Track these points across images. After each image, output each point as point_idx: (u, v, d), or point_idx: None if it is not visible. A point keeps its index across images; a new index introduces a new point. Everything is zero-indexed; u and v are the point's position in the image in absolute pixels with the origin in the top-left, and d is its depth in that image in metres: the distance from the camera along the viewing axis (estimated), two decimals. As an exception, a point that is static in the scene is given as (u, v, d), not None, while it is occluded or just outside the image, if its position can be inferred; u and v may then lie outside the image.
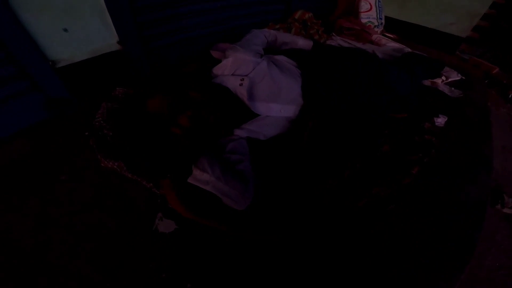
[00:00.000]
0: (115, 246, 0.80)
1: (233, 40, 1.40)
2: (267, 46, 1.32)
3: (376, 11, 2.43)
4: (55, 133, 1.11)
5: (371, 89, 1.25)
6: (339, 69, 1.21)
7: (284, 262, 0.80)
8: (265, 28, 1.87)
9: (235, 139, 0.98)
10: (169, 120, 0.95)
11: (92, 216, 0.86)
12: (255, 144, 1.03)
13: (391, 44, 2.13)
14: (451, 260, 0.86)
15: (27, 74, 1.03)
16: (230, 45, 1.19)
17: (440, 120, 1.34)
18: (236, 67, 1.08)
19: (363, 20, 2.40)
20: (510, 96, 1.88)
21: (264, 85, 1.06)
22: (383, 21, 2.51)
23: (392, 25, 2.61)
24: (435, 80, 1.72)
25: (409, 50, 1.95)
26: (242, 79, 1.04)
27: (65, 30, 1.06)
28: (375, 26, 2.43)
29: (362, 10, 2.40)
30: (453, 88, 1.67)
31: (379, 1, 2.44)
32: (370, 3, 2.40)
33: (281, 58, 1.21)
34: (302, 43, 1.40)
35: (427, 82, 1.70)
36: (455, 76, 1.80)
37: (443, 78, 1.75)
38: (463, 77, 1.81)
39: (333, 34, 2.23)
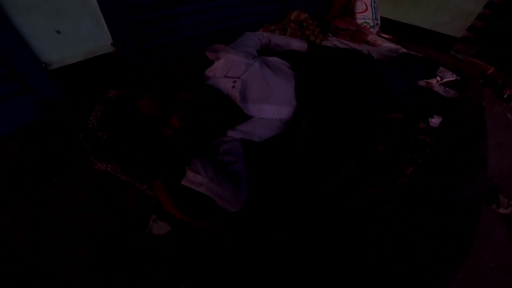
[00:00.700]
0: (109, 248, 0.79)
1: (229, 40, 1.39)
2: (261, 49, 1.32)
3: (372, 11, 2.44)
4: (48, 135, 1.10)
5: (367, 90, 1.25)
6: (335, 70, 1.21)
7: (281, 263, 0.80)
8: (260, 28, 1.88)
9: (229, 140, 0.98)
10: (160, 121, 0.94)
11: (85, 218, 0.85)
12: (250, 146, 1.03)
13: (386, 45, 2.14)
14: (448, 259, 0.87)
15: (19, 76, 1.02)
16: (223, 46, 1.18)
17: (435, 121, 1.35)
18: (228, 69, 1.07)
19: (359, 21, 2.41)
20: (505, 95, 1.89)
21: (256, 86, 1.05)
22: (378, 21, 2.52)
23: (387, 26, 2.62)
24: (430, 80, 1.72)
25: (405, 50, 1.96)
26: (235, 81, 1.03)
27: (58, 32, 1.06)
28: (370, 26, 2.44)
29: (357, 11, 2.41)
30: (448, 89, 1.68)
31: (374, 2, 2.45)
32: (365, 4, 2.41)
33: (274, 59, 1.20)
34: (296, 44, 1.40)
35: (422, 83, 1.71)
36: (450, 77, 1.80)
37: (438, 78, 1.75)
38: (458, 78, 1.82)
39: (329, 34, 2.24)
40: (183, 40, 1.53)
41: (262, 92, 1.05)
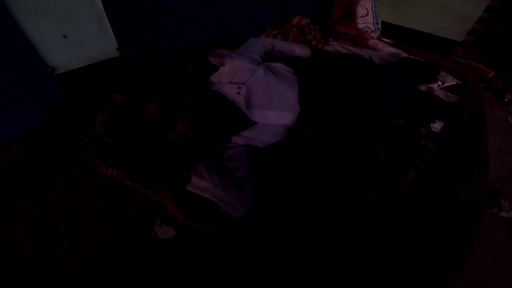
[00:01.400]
0: (113, 252, 0.80)
1: (231, 45, 1.41)
2: (264, 54, 1.33)
3: (373, 16, 2.46)
4: (53, 139, 1.10)
5: (368, 94, 1.26)
6: (337, 75, 1.23)
7: (282, 264, 0.81)
8: (262, 34, 1.89)
9: (233, 146, 0.99)
10: (165, 126, 0.96)
11: (90, 222, 0.86)
12: (253, 151, 1.04)
13: (387, 49, 2.15)
14: (448, 262, 0.87)
15: (25, 79, 1.03)
16: (228, 52, 1.19)
17: (436, 126, 1.36)
18: (233, 75, 1.08)
19: (360, 25, 2.42)
20: (506, 99, 1.90)
21: (260, 93, 1.06)
22: (379, 26, 2.53)
23: (388, 30, 2.64)
24: (431, 85, 1.74)
25: (406, 54, 1.98)
26: (239, 87, 1.03)
27: (65, 36, 1.07)
28: (371, 31, 2.46)
29: (358, 16, 2.43)
30: (449, 93, 1.69)
31: (375, 6, 2.47)
32: (366, 8, 2.43)
33: (278, 65, 1.22)
34: (299, 51, 1.41)
35: (423, 87, 1.72)
36: (451, 81, 1.82)
37: (439, 83, 1.77)
38: (459, 82, 1.83)
39: (330, 39, 2.25)
40: (185, 45, 1.55)
41: (266, 99, 1.06)
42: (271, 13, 2.02)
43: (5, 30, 0.90)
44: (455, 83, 1.83)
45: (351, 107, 1.20)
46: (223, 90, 1.06)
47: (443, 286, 0.83)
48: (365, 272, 0.83)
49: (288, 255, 0.83)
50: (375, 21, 2.47)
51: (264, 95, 1.06)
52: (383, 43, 2.26)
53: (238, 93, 1.03)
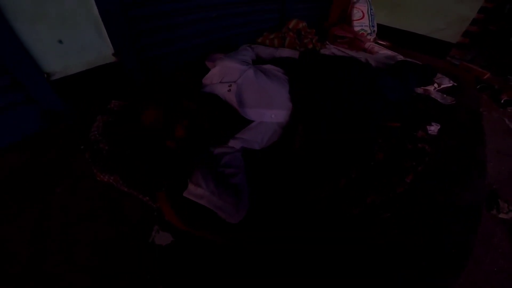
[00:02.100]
0: (112, 258, 0.79)
1: (228, 49, 1.41)
2: (256, 59, 1.38)
3: (369, 19, 2.48)
4: (50, 145, 1.10)
5: (365, 96, 1.27)
6: (334, 78, 1.24)
7: (283, 270, 0.80)
8: (259, 37, 1.90)
9: (230, 152, 0.99)
10: (165, 132, 0.95)
11: (88, 227, 0.85)
12: (250, 155, 1.04)
13: (384, 52, 2.16)
14: (448, 264, 0.87)
15: (21, 85, 1.02)
16: (220, 56, 1.23)
17: (433, 128, 1.36)
18: (223, 75, 1.12)
19: (356, 28, 2.44)
20: (502, 100, 1.91)
21: (252, 91, 1.09)
22: (375, 28, 2.55)
23: (383, 32, 2.65)
24: (427, 87, 1.75)
25: (402, 57, 1.98)
26: (230, 85, 1.07)
27: (60, 41, 1.06)
28: (367, 33, 2.48)
29: (354, 18, 2.44)
30: (445, 95, 1.70)
31: (371, 9, 2.49)
32: (362, 11, 2.44)
33: (268, 66, 1.25)
34: (282, 53, 1.50)
35: (420, 90, 1.73)
36: (447, 83, 1.83)
37: (435, 85, 1.77)
38: (455, 84, 1.84)
39: (327, 42, 2.27)
40: (181, 50, 1.55)
41: (258, 97, 1.09)
42: (268, 17, 2.03)
43: (1, 35, 0.90)
44: (451, 85, 1.84)
45: (348, 110, 1.20)
46: (215, 90, 1.09)
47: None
48: (365, 275, 0.82)
49: (286, 259, 0.82)
50: (371, 24, 2.48)
51: (255, 94, 1.09)
52: (379, 46, 2.27)
53: (229, 90, 1.06)
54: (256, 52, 1.46)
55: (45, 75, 1.07)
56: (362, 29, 2.46)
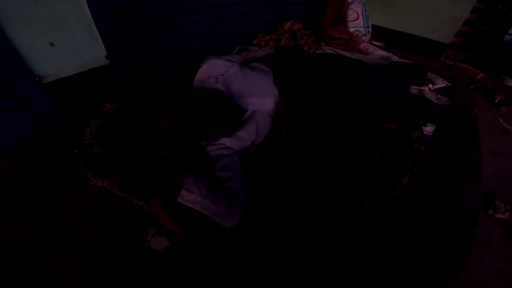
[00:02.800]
0: (107, 263, 0.78)
1: (224, 51, 1.41)
2: (243, 61, 1.46)
3: (363, 19, 2.49)
4: (44, 150, 1.08)
5: (358, 92, 1.29)
6: (329, 75, 1.26)
7: (281, 270, 0.80)
8: (255, 39, 1.90)
9: (227, 154, 0.98)
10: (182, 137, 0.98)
11: (83, 233, 0.85)
12: (244, 155, 1.05)
13: (378, 53, 2.17)
14: (448, 265, 0.86)
15: (12, 89, 1.00)
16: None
17: (428, 129, 1.36)
18: (210, 71, 1.19)
19: (351, 29, 2.45)
20: (496, 100, 1.93)
21: (239, 82, 1.15)
22: (370, 29, 2.57)
23: (378, 33, 2.67)
24: (422, 87, 1.75)
25: (396, 58, 1.99)
26: (217, 77, 1.14)
27: (52, 44, 1.04)
28: (362, 34, 2.49)
29: (349, 19, 2.45)
30: (439, 95, 1.70)
31: (365, 10, 2.50)
32: (357, 12, 2.46)
33: (253, 64, 1.35)
34: (262, 52, 1.58)
35: (414, 90, 1.73)
36: (441, 83, 1.84)
37: (430, 85, 1.78)
38: (449, 84, 1.85)
39: (322, 43, 2.27)
40: (176, 53, 1.54)
41: (245, 87, 1.15)
42: (264, 18, 2.03)
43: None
44: (445, 85, 1.85)
45: (343, 104, 1.21)
46: (204, 85, 1.16)
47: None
48: (365, 275, 0.82)
49: (285, 260, 0.81)
50: (365, 25, 2.50)
51: (242, 84, 1.15)
52: (374, 47, 2.28)
53: (216, 81, 1.14)
54: (243, 57, 1.55)
55: (37, 78, 1.05)
56: (356, 30, 2.47)
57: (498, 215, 1.16)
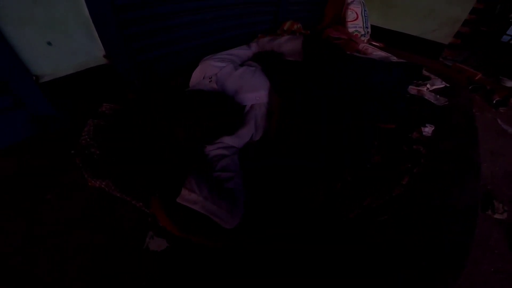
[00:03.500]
0: (105, 265, 0.77)
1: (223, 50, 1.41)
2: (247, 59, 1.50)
3: (362, 20, 2.49)
4: (41, 150, 1.07)
5: (358, 91, 1.28)
6: (329, 75, 1.26)
7: (281, 270, 0.79)
8: (254, 40, 1.90)
9: (227, 155, 0.98)
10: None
11: (80, 234, 0.83)
12: (243, 155, 1.05)
13: (377, 53, 2.17)
14: (449, 265, 0.87)
15: (9, 89, 0.99)
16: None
17: (427, 130, 1.37)
18: (203, 73, 1.24)
19: (350, 29, 2.45)
20: (494, 101, 1.93)
21: (233, 80, 1.19)
22: (369, 29, 2.57)
23: (377, 33, 2.67)
24: (420, 88, 1.75)
25: (395, 58, 1.99)
26: (211, 77, 1.19)
27: (49, 43, 1.03)
28: (361, 35, 2.49)
29: (348, 20, 2.45)
30: (438, 96, 1.71)
31: (365, 10, 2.50)
32: (356, 12, 2.46)
33: (247, 62, 1.40)
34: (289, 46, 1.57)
35: (413, 91, 1.73)
36: (439, 84, 1.84)
37: (428, 86, 1.78)
38: (447, 84, 1.85)
39: (321, 43, 2.26)
40: (176, 53, 1.53)
41: (239, 84, 1.19)
42: (263, 18, 2.03)
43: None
44: (443, 86, 1.85)
45: (343, 104, 1.21)
46: (199, 86, 1.19)
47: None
48: (365, 275, 0.82)
49: (285, 260, 0.81)
50: (364, 25, 2.50)
51: (236, 82, 1.19)
52: (373, 47, 2.28)
53: (210, 81, 1.18)
54: (261, 46, 1.58)
55: (34, 78, 1.04)
56: (356, 30, 2.47)
57: (496, 216, 1.17)
